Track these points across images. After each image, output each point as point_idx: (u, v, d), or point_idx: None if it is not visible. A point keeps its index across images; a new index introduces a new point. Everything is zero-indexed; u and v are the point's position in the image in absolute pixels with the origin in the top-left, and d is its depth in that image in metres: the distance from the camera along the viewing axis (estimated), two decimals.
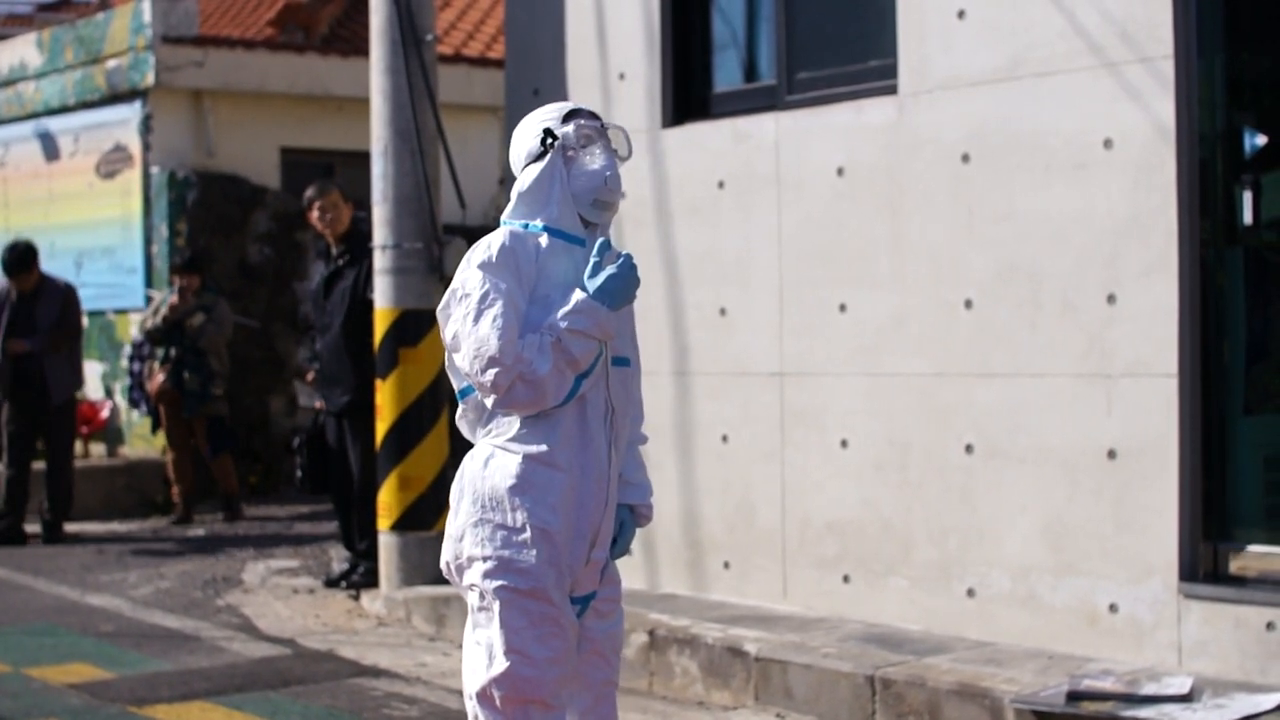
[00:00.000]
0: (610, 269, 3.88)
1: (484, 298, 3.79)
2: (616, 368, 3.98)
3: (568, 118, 3.99)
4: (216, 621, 8.06)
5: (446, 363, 3.98)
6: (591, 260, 3.89)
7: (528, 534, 3.84)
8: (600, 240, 3.94)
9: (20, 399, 10.85)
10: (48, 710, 6.20)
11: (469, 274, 3.86)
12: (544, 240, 3.91)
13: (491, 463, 3.90)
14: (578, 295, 3.83)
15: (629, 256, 3.92)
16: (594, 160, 3.95)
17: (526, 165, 3.99)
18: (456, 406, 4.05)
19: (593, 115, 4.03)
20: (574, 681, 4.01)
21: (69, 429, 11.21)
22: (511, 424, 3.90)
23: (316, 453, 8.93)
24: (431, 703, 6.34)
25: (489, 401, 3.87)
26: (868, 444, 6.68)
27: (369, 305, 8.45)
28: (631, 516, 4.11)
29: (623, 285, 3.87)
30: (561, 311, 3.81)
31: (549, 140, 3.93)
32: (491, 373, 3.76)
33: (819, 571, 6.88)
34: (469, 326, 3.79)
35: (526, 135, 4.01)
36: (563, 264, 3.91)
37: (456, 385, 4.00)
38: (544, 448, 3.86)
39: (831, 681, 5.95)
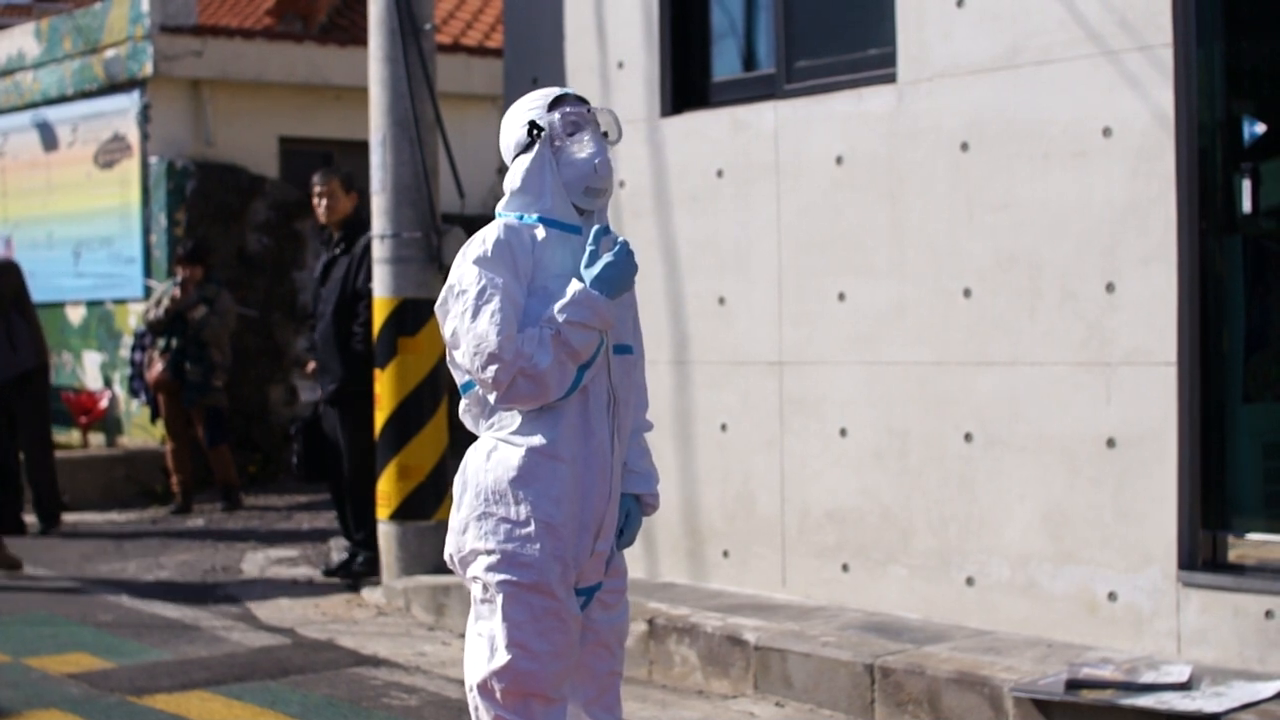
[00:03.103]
0: (607, 257, 3.84)
1: (481, 293, 3.76)
2: (619, 356, 3.95)
3: (553, 105, 3.95)
4: (216, 611, 8.06)
5: (448, 358, 3.95)
6: (588, 249, 3.86)
7: (531, 528, 3.82)
8: (596, 227, 3.90)
9: None
10: (47, 700, 6.21)
11: (464, 270, 3.81)
12: (540, 232, 3.87)
13: (494, 455, 3.88)
14: (575, 286, 3.79)
15: (625, 243, 3.89)
16: (582, 149, 3.91)
17: (516, 156, 3.95)
18: (456, 396, 4.04)
19: (579, 100, 3.99)
20: (578, 673, 4.00)
21: (35, 414, 10.58)
22: (514, 417, 3.87)
23: (312, 440, 8.94)
24: (431, 692, 6.34)
25: (491, 398, 3.86)
26: (867, 433, 6.68)
27: (359, 295, 8.47)
28: (638, 506, 4.08)
29: (620, 273, 3.84)
30: (559, 304, 3.77)
31: (535, 131, 3.91)
32: (492, 369, 3.73)
33: (818, 560, 6.88)
34: (467, 323, 3.76)
35: (513, 125, 3.96)
36: (560, 254, 3.88)
37: (459, 380, 3.97)
38: (547, 440, 3.83)
39: (831, 670, 5.95)
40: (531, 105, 3.96)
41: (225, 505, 11.66)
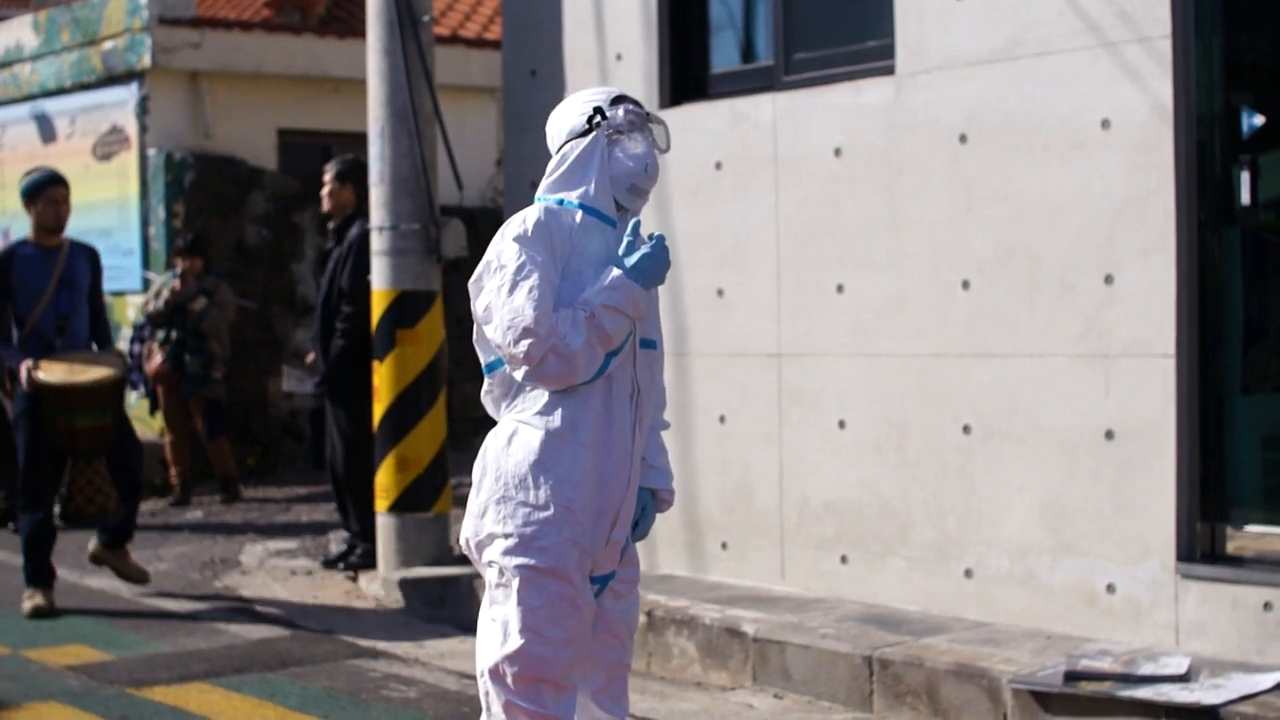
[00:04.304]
0: (645, 248, 3.93)
1: (519, 269, 3.81)
2: (644, 350, 4.02)
3: (615, 101, 4.01)
4: (214, 603, 8.06)
5: (475, 336, 4.00)
6: (625, 239, 3.93)
7: (551, 512, 3.86)
8: (633, 220, 3.98)
9: None
10: (46, 692, 6.21)
11: (504, 246, 3.87)
12: (578, 217, 3.93)
13: (515, 439, 3.91)
14: (614, 272, 3.86)
15: (662, 237, 3.97)
16: (637, 146, 3.99)
17: (566, 141, 4.01)
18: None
19: (637, 104, 4.07)
20: (587, 662, 4.02)
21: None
22: (537, 399, 3.91)
23: (321, 427, 8.95)
24: (429, 683, 6.35)
25: (519, 375, 3.88)
26: (865, 425, 6.68)
27: (342, 292, 8.46)
28: (653, 500, 4.13)
29: (656, 265, 3.93)
30: (597, 287, 3.85)
31: (598, 119, 3.95)
32: (525, 344, 3.78)
33: (817, 552, 6.88)
34: (503, 298, 3.81)
35: (571, 112, 4.03)
36: (595, 242, 3.94)
37: (484, 359, 4.01)
38: (569, 423, 3.87)
39: (829, 662, 5.95)
40: (594, 96, 4.03)
41: (224, 497, 11.66)
